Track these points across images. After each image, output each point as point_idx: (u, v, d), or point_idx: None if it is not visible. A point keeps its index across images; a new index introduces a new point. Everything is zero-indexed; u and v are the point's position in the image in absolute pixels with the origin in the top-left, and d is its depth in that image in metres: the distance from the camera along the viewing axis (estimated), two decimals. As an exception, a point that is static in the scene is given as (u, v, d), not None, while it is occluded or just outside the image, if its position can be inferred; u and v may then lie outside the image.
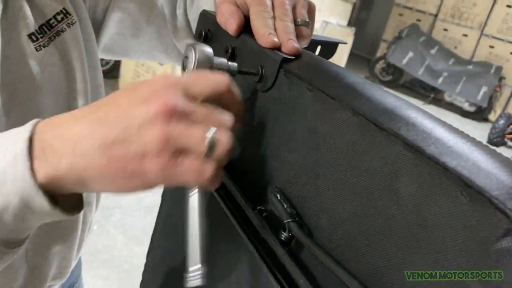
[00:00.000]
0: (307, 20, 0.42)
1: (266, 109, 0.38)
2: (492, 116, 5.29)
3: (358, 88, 0.31)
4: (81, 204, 0.34)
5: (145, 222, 2.08)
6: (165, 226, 0.61)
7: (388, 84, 5.66)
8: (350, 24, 5.08)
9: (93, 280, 1.72)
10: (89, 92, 0.52)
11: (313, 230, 0.32)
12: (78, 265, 0.68)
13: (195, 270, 0.31)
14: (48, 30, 0.46)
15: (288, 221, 0.31)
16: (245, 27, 0.42)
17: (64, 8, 0.48)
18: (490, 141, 4.61)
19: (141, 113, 0.28)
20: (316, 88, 0.32)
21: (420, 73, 5.33)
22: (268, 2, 0.40)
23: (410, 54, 5.36)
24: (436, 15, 5.61)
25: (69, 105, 0.50)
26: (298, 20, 0.41)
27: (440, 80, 5.29)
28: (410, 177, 0.25)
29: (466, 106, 5.33)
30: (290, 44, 0.38)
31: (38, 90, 0.46)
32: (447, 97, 5.48)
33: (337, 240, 0.30)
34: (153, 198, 2.25)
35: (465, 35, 5.37)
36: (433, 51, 5.47)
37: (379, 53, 6.17)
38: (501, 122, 4.69)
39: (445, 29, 5.54)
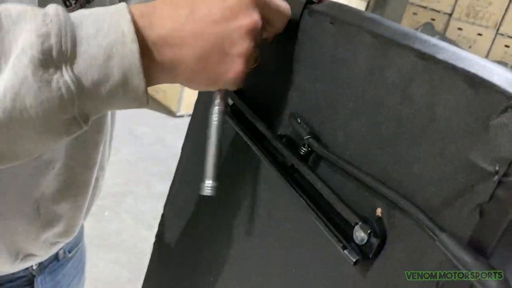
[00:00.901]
0: None
1: (290, 46, 0.42)
2: (505, 117, 5.24)
3: (376, 19, 0.34)
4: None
5: (156, 209, 2.08)
6: (183, 179, 0.64)
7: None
8: (363, 21, 5.07)
9: (104, 262, 1.74)
10: None
11: (330, 146, 0.35)
12: (81, 228, 0.73)
13: (208, 183, 0.35)
14: None
15: (308, 137, 0.35)
16: None
17: None
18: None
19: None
20: (338, 19, 0.35)
21: (433, 72, 5.30)
22: None
23: (424, 53, 5.33)
24: (450, 14, 5.55)
25: None
26: None
27: (453, 79, 5.25)
28: (422, 80, 0.28)
29: (479, 106, 5.28)
30: None
31: None
32: (460, 97, 5.43)
33: (351, 150, 0.33)
34: (164, 186, 2.29)
35: (479, 34, 5.29)
36: (446, 50, 5.42)
37: (392, 52, 6.14)
38: (514, 122, 4.63)
39: (460, 28, 5.48)
